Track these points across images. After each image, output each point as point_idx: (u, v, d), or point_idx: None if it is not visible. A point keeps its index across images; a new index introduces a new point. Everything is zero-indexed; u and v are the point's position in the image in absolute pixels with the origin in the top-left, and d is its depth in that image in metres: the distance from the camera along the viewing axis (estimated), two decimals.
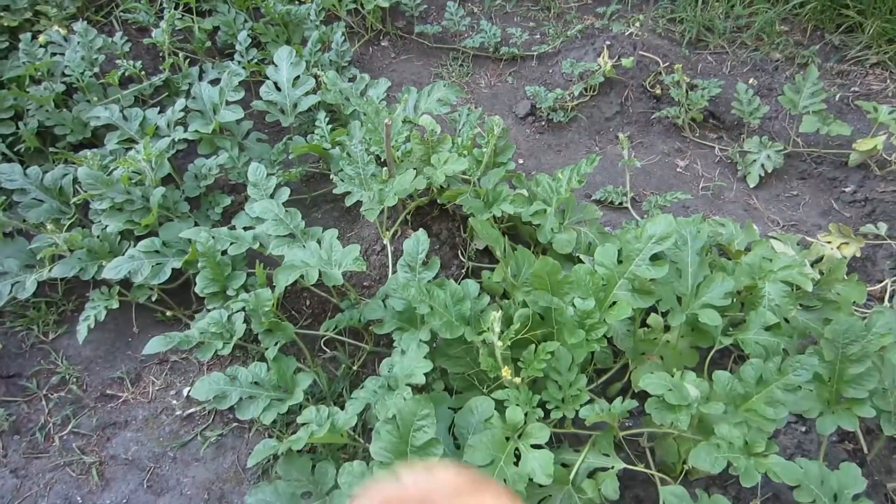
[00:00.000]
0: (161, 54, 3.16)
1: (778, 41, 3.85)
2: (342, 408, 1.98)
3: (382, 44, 3.84)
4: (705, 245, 2.08)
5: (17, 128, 2.68)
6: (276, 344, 2.09)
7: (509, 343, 1.83)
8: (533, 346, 1.88)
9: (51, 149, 2.74)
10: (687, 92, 3.33)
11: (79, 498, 2.09)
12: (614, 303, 1.93)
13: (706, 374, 1.99)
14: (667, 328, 2.09)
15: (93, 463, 2.15)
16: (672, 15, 4.05)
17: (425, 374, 1.83)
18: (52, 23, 3.00)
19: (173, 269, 2.31)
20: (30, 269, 2.37)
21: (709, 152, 3.31)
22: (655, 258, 1.94)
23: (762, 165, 3.09)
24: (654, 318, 2.13)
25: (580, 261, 2.29)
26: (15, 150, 2.67)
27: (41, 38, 2.87)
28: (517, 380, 1.85)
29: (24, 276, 2.34)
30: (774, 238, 2.51)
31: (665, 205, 2.78)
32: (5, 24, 2.94)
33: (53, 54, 2.88)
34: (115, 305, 2.33)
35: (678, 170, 3.22)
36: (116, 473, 2.14)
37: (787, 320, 2.11)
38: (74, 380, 2.34)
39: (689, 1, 4.05)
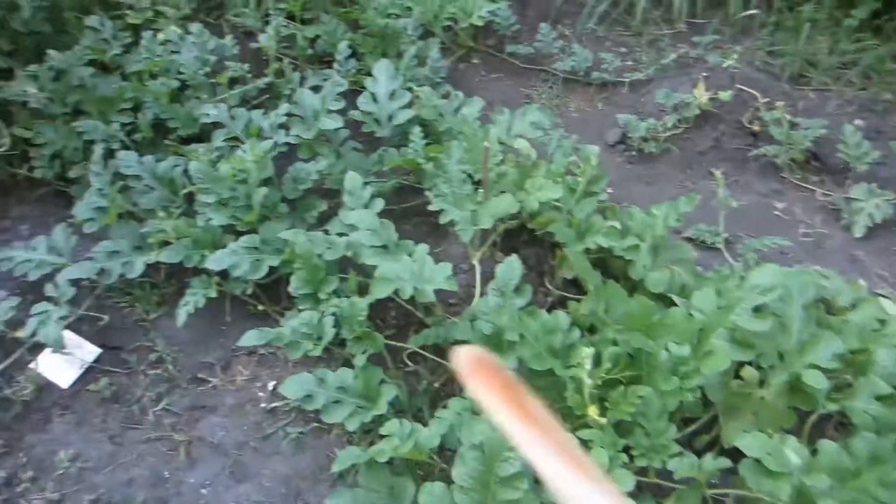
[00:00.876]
0: (266, 58, 3.27)
1: (889, 80, 3.68)
2: (421, 422, 2.01)
3: (473, 61, 3.87)
4: (811, 300, 2.01)
5: (136, 118, 2.83)
6: (364, 352, 2.14)
7: (599, 382, 1.82)
8: (622, 387, 1.87)
9: (164, 141, 2.87)
10: (788, 131, 3.23)
11: (166, 473, 2.20)
12: (710, 351, 1.90)
13: (805, 440, 1.92)
14: (761, 383, 2.03)
15: (181, 441, 2.25)
16: (772, 48, 3.94)
17: None
18: (170, 22, 3.14)
19: (270, 267, 2.40)
20: (139, 250, 2.51)
21: (810, 196, 3.20)
22: (758, 309, 1.90)
23: (870, 215, 2.94)
24: (748, 371, 2.07)
25: (672, 301, 2.26)
26: (132, 138, 2.81)
27: (160, 36, 3.02)
28: (603, 420, 1.84)
29: (133, 258, 2.48)
30: (883, 297, 2.41)
31: (762, 249, 2.69)
32: (130, 21, 3.11)
33: (171, 52, 3.02)
34: (214, 295, 2.44)
35: (775, 213, 3.13)
36: (203, 455, 2.23)
37: None
38: (170, 360, 2.45)
39: (791, 34, 3.93)
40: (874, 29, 3.89)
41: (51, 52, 2.72)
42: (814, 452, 1.74)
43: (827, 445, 1.73)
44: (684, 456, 1.79)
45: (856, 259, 2.90)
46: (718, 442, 2.04)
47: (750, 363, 2.06)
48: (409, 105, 2.95)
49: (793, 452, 1.67)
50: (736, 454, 1.73)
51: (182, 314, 2.38)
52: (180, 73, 2.99)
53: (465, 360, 0.82)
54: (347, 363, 2.31)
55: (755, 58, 3.90)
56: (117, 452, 2.22)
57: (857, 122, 3.41)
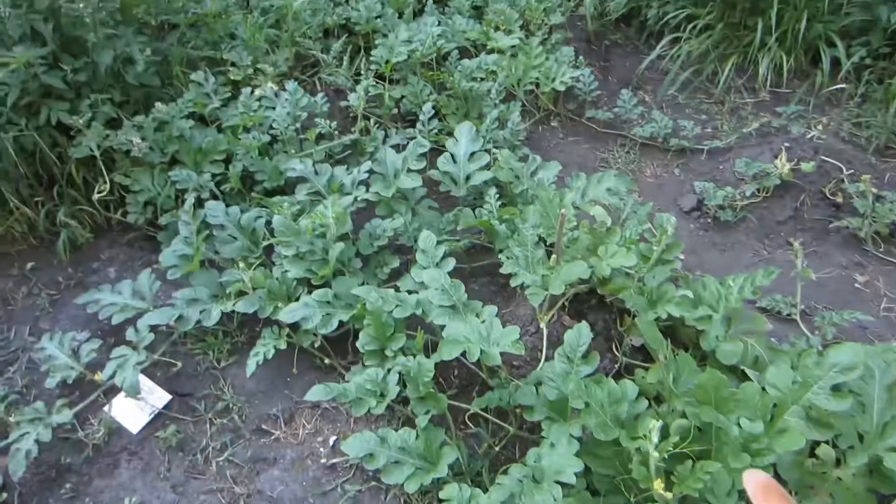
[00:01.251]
0: (353, 116, 3.42)
1: None
2: (480, 486, 1.99)
3: (552, 124, 3.94)
4: (894, 380, 1.91)
5: (226, 169, 2.99)
6: (427, 413, 2.14)
7: (666, 455, 1.76)
8: (690, 461, 1.80)
9: (251, 193, 3.02)
10: (873, 203, 3.12)
11: None
12: (784, 429, 1.81)
13: None
14: (838, 462, 1.92)
15: (241, 494, 2.28)
16: (858, 119, 3.85)
17: (574, 474, 1.81)
18: (268, 79, 3.35)
19: (340, 321, 2.45)
20: (216, 299, 2.62)
21: (893, 271, 3.07)
22: (836, 388, 1.82)
23: None
24: (824, 450, 1.97)
25: (746, 376, 2.18)
26: (220, 188, 2.97)
27: (257, 92, 3.21)
28: (668, 495, 1.77)
29: (211, 306, 2.58)
30: None
31: (841, 323, 2.59)
32: (231, 77, 3.33)
33: (265, 108, 3.20)
34: (283, 346, 2.51)
35: (856, 286, 3.01)
36: None
37: None
38: (237, 409, 2.51)
39: (879, 106, 3.83)
40: None
41: (158, 104, 2.94)
42: None
43: None
44: None
45: None
46: None
47: (826, 442, 1.96)
48: (487, 167, 3.03)
49: None
50: None
51: (252, 364, 2.45)
52: (272, 127, 3.17)
53: (755, 484, 0.85)
54: (409, 422, 2.33)
55: (840, 129, 3.81)
56: (178, 502, 2.27)
57: None
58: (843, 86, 3.94)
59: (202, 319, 2.55)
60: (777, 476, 2.01)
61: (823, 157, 3.42)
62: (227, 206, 2.79)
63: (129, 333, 2.51)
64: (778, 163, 3.36)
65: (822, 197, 3.34)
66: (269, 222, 2.74)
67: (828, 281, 3.02)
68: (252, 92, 3.21)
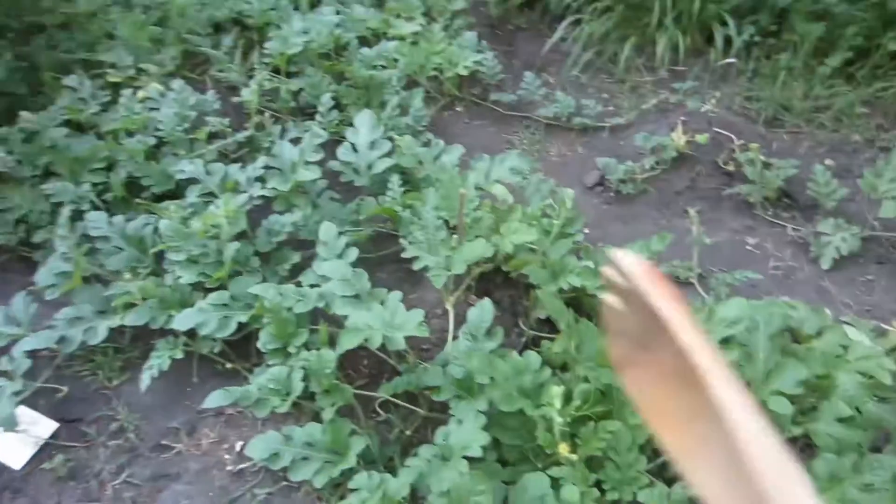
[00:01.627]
0: (247, 112, 3.31)
1: (858, 123, 3.76)
2: (392, 471, 1.95)
3: (457, 109, 3.94)
4: (777, 330, 1.99)
5: (108, 177, 2.82)
6: (333, 405, 2.09)
7: (569, 419, 1.77)
8: (592, 423, 1.83)
9: (136, 199, 2.87)
10: (762, 171, 3.26)
11: None
12: None
13: None
14: None
15: None
16: (749, 93, 4.01)
17: (481, 447, 1.79)
18: (152, 79, 3.19)
19: (238, 323, 2.35)
20: (103, 314, 2.45)
21: (780, 232, 3.22)
22: (726, 341, 1.88)
23: (837, 248, 2.98)
24: None
25: None
26: (102, 198, 2.80)
27: (140, 94, 3.06)
28: (574, 457, 1.79)
29: (96, 323, 2.41)
30: (848, 324, 2.40)
31: (733, 283, 2.70)
32: (110, 79, 3.15)
33: (150, 109, 3.05)
34: (180, 356, 2.38)
35: (748, 248, 3.14)
36: None
37: (860, 411, 1.99)
38: (133, 428, 2.37)
39: (768, 80, 4.02)
40: (846, 76, 4.01)
41: (24, 113, 2.74)
42: None
43: None
44: (654, 486, 1.74)
45: (823, 290, 2.91)
46: None
47: None
48: (389, 154, 2.98)
49: None
50: None
51: (146, 378, 2.30)
52: (158, 129, 3.01)
53: (643, 264, 0.76)
54: (318, 417, 2.25)
55: (733, 103, 3.96)
56: None
57: (828, 161, 3.47)
58: (733, 60, 4.10)
59: (87, 338, 2.38)
60: None
61: (717, 130, 3.54)
62: (112, 215, 2.62)
63: (3, 362, 2.31)
64: (675, 136, 3.46)
65: (715, 167, 3.46)
66: (158, 229, 2.60)
67: (722, 245, 3.13)
68: (134, 93, 3.05)
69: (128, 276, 2.42)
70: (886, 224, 3.10)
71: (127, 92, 3.04)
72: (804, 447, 2.15)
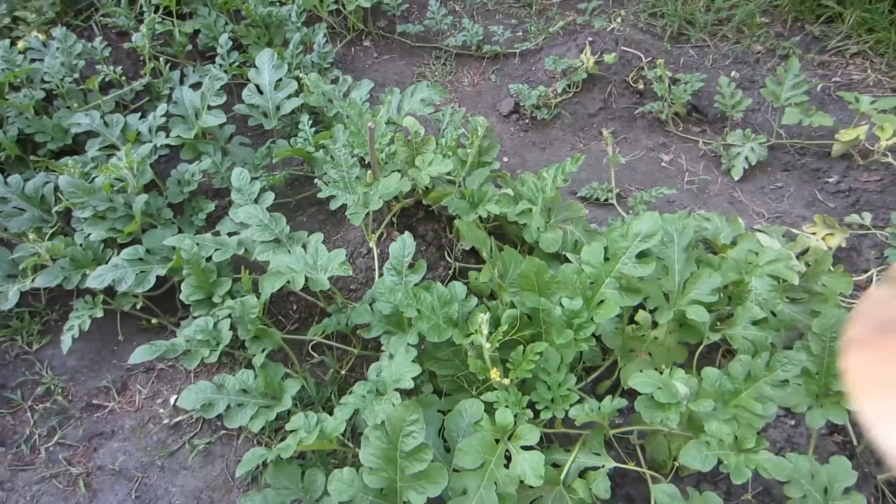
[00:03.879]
0: (142, 59, 3.12)
1: (759, 33, 3.87)
2: (331, 413, 1.97)
3: (364, 44, 3.82)
4: (691, 241, 2.08)
5: None
6: (263, 351, 2.07)
7: (497, 345, 1.82)
8: (521, 347, 1.88)
9: (32, 157, 2.70)
10: (670, 87, 3.33)
11: None
12: (602, 301, 1.93)
13: (695, 371, 2.00)
14: (655, 325, 2.09)
15: (79, 474, 2.13)
16: (653, 9, 4.05)
17: (414, 378, 1.82)
18: (31, 28, 2.95)
19: (158, 277, 2.29)
20: (12, 279, 2.34)
21: (693, 146, 3.32)
22: (642, 256, 1.94)
23: (746, 158, 3.10)
24: (641, 316, 2.13)
25: (567, 260, 2.29)
26: None
27: (20, 45, 2.83)
28: (506, 381, 1.85)
29: (6, 287, 2.30)
30: (760, 231, 2.52)
31: (650, 200, 2.78)
32: None
33: (32, 60, 2.83)
34: (100, 314, 2.31)
35: (663, 164, 3.23)
36: (104, 484, 2.12)
37: (773, 314, 2.12)
38: (60, 390, 2.31)
39: None
40: None
41: None
42: (701, 381, 1.80)
43: (709, 372, 1.81)
44: (585, 402, 1.82)
45: (735, 200, 3.03)
46: (620, 385, 2.10)
47: (643, 308, 2.12)
48: (297, 94, 2.88)
49: (681, 383, 1.72)
50: (636, 394, 1.78)
51: (67, 340, 2.24)
52: (45, 81, 2.81)
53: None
54: (251, 365, 2.24)
55: (638, 20, 4.00)
56: (7, 499, 2.07)
57: (733, 74, 3.57)
58: None
59: None
60: (602, 346, 2.15)
61: (624, 48, 3.57)
62: (6, 175, 2.47)
63: None
64: (583, 57, 3.47)
65: (626, 86, 3.51)
66: (59, 187, 2.46)
67: (637, 164, 3.21)
68: (12, 44, 2.81)
69: (33, 236, 2.29)
70: (790, 131, 3.25)
71: (3, 43, 2.80)
72: (726, 352, 2.30)
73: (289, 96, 2.85)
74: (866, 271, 2.61)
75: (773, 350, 1.91)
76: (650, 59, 3.54)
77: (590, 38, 3.63)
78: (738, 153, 3.12)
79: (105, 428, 2.24)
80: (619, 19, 3.86)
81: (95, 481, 2.12)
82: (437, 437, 1.84)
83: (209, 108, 2.71)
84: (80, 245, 2.35)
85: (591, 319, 1.88)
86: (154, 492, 2.09)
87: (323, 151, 2.66)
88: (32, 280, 2.29)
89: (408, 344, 1.96)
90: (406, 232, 2.18)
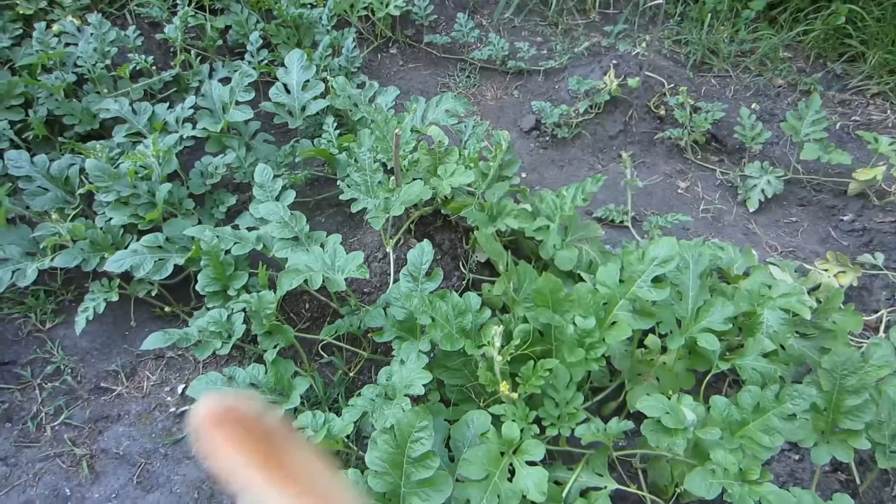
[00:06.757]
0: (172, 50, 3.16)
1: (781, 67, 3.90)
2: (337, 413, 1.98)
3: (391, 51, 3.86)
4: (706, 269, 2.09)
5: (27, 115, 2.68)
6: (275, 347, 2.09)
7: (509, 358, 1.84)
8: (532, 362, 1.89)
9: (59, 138, 2.73)
10: (691, 114, 3.36)
11: (67, 490, 2.08)
12: (614, 323, 1.95)
13: (702, 398, 2.01)
14: (664, 350, 2.11)
15: (83, 455, 2.14)
16: (678, 37, 4.09)
17: (423, 385, 1.84)
18: (67, 13, 3.00)
19: (175, 266, 2.31)
20: (31, 256, 2.36)
21: (710, 175, 3.34)
22: (657, 280, 1.96)
23: (762, 190, 3.12)
24: (651, 340, 2.15)
25: (581, 278, 2.30)
26: (23, 137, 2.66)
27: (55, 28, 2.87)
28: (514, 395, 1.86)
29: (25, 264, 2.32)
30: (773, 264, 2.53)
31: (665, 226, 2.79)
32: (21, 12, 2.94)
33: (67, 44, 2.88)
34: (115, 298, 2.33)
35: (679, 191, 3.25)
36: (107, 467, 2.13)
37: (783, 347, 2.13)
38: (69, 370, 2.33)
39: (695, 24, 4.11)
40: (770, 20, 4.14)
41: None
42: (709, 408, 1.81)
43: (717, 401, 1.82)
44: (591, 422, 1.83)
45: (750, 231, 3.05)
46: (625, 407, 2.11)
47: (653, 332, 2.13)
48: (323, 95, 2.91)
49: (688, 410, 1.73)
50: (641, 417, 1.79)
51: (81, 321, 2.26)
52: (77, 66, 2.85)
53: (207, 411, 0.66)
54: (261, 360, 2.26)
55: (662, 46, 4.04)
56: (10, 474, 2.09)
57: (753, 105, 3.60)
58: (660, 1, 4.14)
59: (16, 280, 2.29)
60: (610, 366, 2.17)
61: (647, 73, 3.61)
62: (33, 154, 2.50)
63: None
64: (607, 79, 3.51)
65: (647, 111, 3.54)
66: (84, 169, 2.49)
67: (654, 188, 3.23)
68: (48, 27, 2.85)
69: (55, 216, 2.32)
70: (807, 166, 3.27)
71: (39, 25, 2.84)
72: (732, 382, 2.31)
73: (315, 97, 2.88)
74: (876, 311, 2.62)
75: (783, 383, 1.92)
76: (672, 85, 3.57)
77: (614, 62, 3.66)
78: (755, 185, 3.14)
79: (111, 411, 2.26)
80: (643, 44, 3.90)
81: (98, 464, 2.13)
82: (442, 446, 1.85)
83: (237, 103, 2.75)
84: (101, 228, 2.37)
85: (603, 340, 1.89)
86: (156, 479, 2.11)
87: (346, 154, 2.68)
88: (52, 259, 2.31)
89: (419, 350, 1.98)
90: (425, 240, 2.20)
